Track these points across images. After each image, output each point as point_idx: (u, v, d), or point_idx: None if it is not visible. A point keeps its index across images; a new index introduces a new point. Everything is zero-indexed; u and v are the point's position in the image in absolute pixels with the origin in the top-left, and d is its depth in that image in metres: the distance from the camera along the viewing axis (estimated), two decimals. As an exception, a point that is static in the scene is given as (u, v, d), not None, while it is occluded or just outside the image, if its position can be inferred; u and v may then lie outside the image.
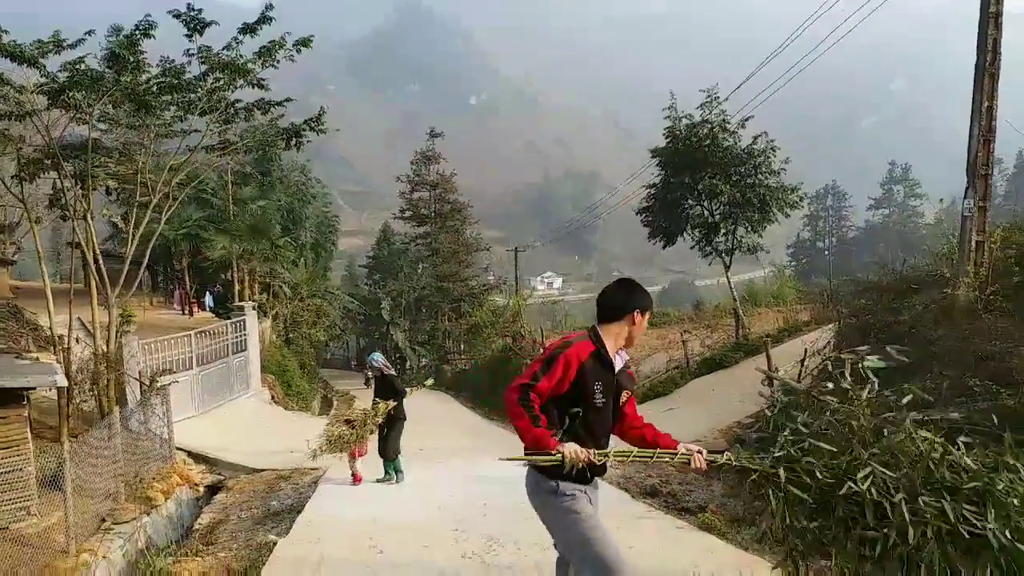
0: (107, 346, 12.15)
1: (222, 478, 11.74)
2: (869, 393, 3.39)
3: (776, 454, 3.30)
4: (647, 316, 3.51)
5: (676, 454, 3.37)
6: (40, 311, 14.78)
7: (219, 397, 16.82)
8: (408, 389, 10.14)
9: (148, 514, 9.16)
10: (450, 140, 46.42)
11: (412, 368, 42.43)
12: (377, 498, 8.79)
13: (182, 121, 13.06)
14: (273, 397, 20.98)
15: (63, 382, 9.26)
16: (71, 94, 10.94)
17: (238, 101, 12.83)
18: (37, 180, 13.89)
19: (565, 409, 3.32)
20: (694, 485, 8.55)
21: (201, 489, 11.26)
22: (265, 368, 21.52)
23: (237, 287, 29.01)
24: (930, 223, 67.13)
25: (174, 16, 11.45)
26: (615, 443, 3.52)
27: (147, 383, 12.37)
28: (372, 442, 9.55)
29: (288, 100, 13.23)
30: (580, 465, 3.16)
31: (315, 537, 6.70)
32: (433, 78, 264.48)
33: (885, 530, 2.98)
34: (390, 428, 9.46)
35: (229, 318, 19.84)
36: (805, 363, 12.63)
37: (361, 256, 73.29)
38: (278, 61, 12.27)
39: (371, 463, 9.74)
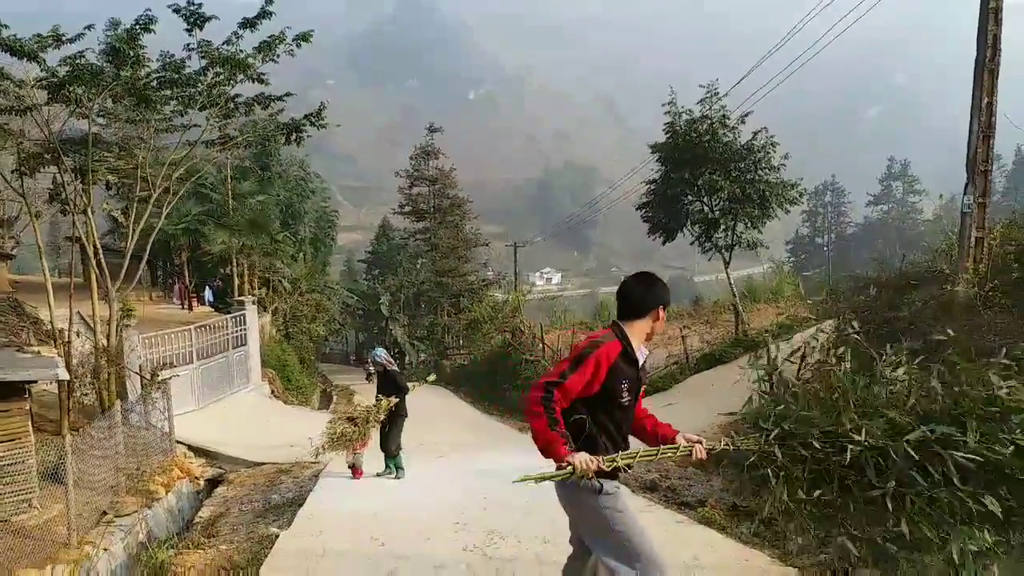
0: (108, 340, 12.16)
1: (223, 471, 11.78)
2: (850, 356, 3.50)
3: (767, 429, 3.35)
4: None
5: (677, 448, 3.39)
6: (40, 305, 14.81)
7: (219, 391, 16.87)
8: (411, 385, 10.13)
9: (149, 507, 9.20)
10: (449, 135, 46.34)
11: (411, 363, 42.48)
12: (378, 492, 8.82)
13: (182, 116, 13.07)
14: (273, 391, 21.02)
15: (65, 376, 9.28)
16: (71, 88, 10.94)
17: (238, 96, 12.81)
18: (37, 174, 13.88)
19: (594, 411, 3.28)
20: (694, 480, 8.59)
21: (202, 482, 11.30)
22: (265, 363, 21.56)
23: (236, 282, 29.01)
24: (929, 219, 67.21)
25: (174, 11, 11.43)
26: None
27: (148, 377, 12.41)
28: (374, 435, 9.57)
29: (288, 95, 13.24)
30: (590, 475, 3.10)
31: (317, 530, 6.73)
32: (432, 73, 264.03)
33: (890, 484, 3.07)
34: (392, 424, 9.46)
35: (229, 313, 19.88)
36: (806, 359, 12.65)
37: (360, 251, 73.37)
38: (278, 56, 12.27)
39: (372, 457, 9.76)
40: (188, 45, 11.64)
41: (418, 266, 47.01)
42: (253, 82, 12.48)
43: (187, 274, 32.07)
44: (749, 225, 19.67)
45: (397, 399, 9.37)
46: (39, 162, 12.83)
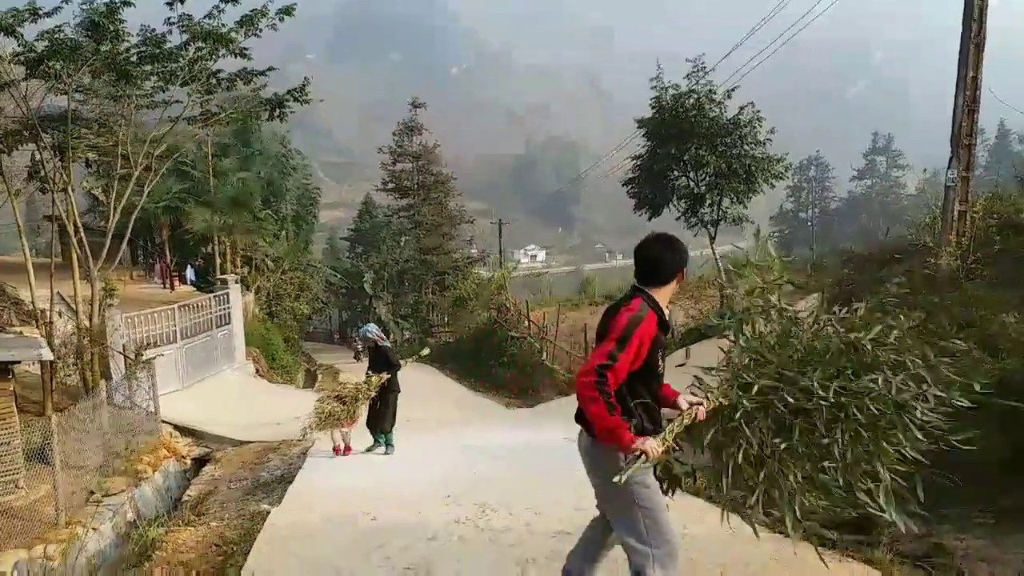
0: (90, 320, 12.03)
1: (209, 450, 11.75)
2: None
3: (738, 380, 3.41)
4: None
5: (688, 413, 3.32)
6: (19, 286, 14.60)
7: (204, 371, 16.77)
8: (403, 361, 10.10)
9: (137, 486, 9.18)
10: (431, 111, 45.79)
11: (396, 341, 42.40)
12: (367, 468, 8.84)
13: (163, 92, 12.84)
14: (258, 370, 20.95)
15: (49, 356, 9.21)
16: (50, 64, 10.71)
17: (220, 71, 12.61)
18: (14, 152, 13.62)
19: (633, 384, 3.20)
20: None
21: (188, 462, 11.28)
22: (249, 342, 21.44)
23: (218, 260, 28.75)
24: (912, 194, 67.67)
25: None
26: None
27: (131, 357, 12.31)
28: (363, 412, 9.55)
29: (271, 69, 13.06)
30: (661, 459, 3.09)
31: (307, 506, 6.74)
32: (414, 48, 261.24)
33: (840, 429, 3.20)
34: (383, 400, 9.43)
35: (211, 292, 19.71)
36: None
37: (343, 229, 72.75)
38: (260, 30, 12.07)
39: (359, 434, 9.76)
40: (169, 19, 11.42)
41: (402, 243, 46.72)
42: (235, 57, 12.29)
43: (168, 253, 31.72)
44: (735, 200, 19.75)
45: (389, 375, 9.35)
46: (17, 139, 12.58)
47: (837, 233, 61.67)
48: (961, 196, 10.68)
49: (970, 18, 10.34)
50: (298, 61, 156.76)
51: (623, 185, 21.74)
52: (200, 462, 11.20)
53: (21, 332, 10.23)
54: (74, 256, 12.61)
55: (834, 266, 15.17)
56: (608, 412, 2.98)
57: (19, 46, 10.71)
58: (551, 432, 10.04)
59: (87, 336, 11.83)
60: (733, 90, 19.26)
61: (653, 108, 20.04)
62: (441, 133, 47.67)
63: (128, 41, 11.30)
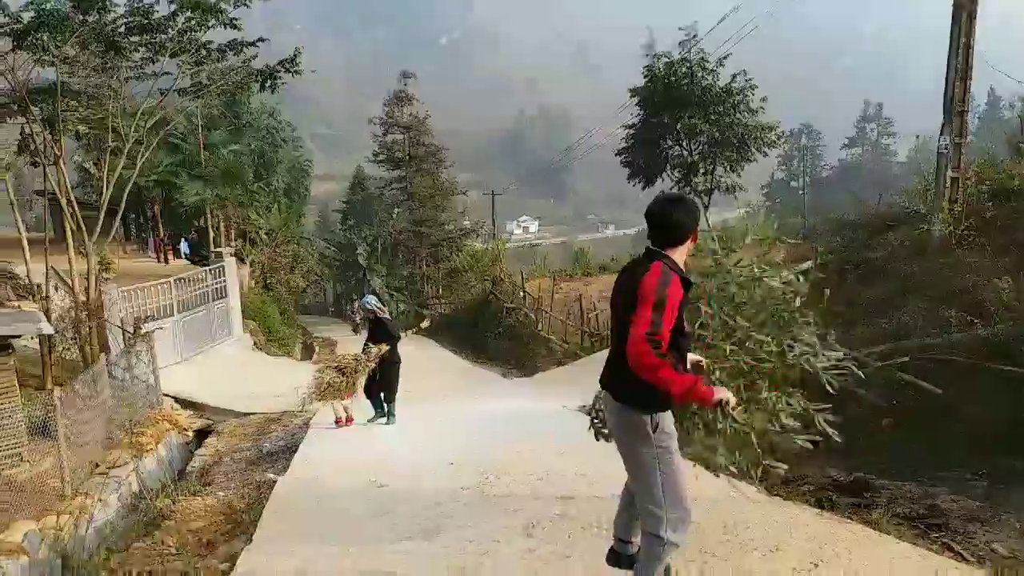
0: (87, 294, 12.02)
1: (211, 422, 11.82)
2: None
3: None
4: None
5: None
6: (13, 261, 14.53)
7: (202, 343, 16.83)
8: (404, 333, 10.14)
9: (140, 459, 9.25)
10: (420, 81, 45.28)
11: (391, 313, 42.35)
12: (370, 438, 8.94)
13: (152, 63, 12.70)
14: (256, 343, 21.00)
15: (48, 329, 9.24)
16: (38, 35, 10.56)
17: (210, 42, 12.48)
18: (2, 125, 13.48)
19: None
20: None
21: (191, 434, 11.33)
22: (245, 314, 21.46)
23: (212, 234, 28.63)
24: (903, 161, 67.71)
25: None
26: None
27: (130, 330, 12.32)
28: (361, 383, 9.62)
29: (261, 40, 12.93)
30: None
31: (313, 475, 6.83)
32: (403, 16, 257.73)
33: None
34: (385, 372, 9.47)
35: (206, 265, 19.68)
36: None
37: (335, 201, 72.30)
38: (249, 0, 11.93)
39: (361, 404, 9.84)
40: (156, -11, 11.29)
41: (395, 216, 46.44)
42: (225, 27, 12.14)
43: (160, 227, 31.56)
44: (728, 168, 19.78)
45: (389, 346, 9.40)
46: (5, 112, 12.45)
47: (828, 201, 61.67)
48: (954, 163, 10.76)
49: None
50: (285, 32, 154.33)
51: (616, 155, 21.71)
52: (202, 434, 11.27)
53: (19, 307, 10.20)
54: (68, 230, 12.55)
55: (826, 234, 15.25)
56: (678, 373, 3.00)
57: (4, 17, 10.55)
58: (550, 401, 10.17)
59: (84, 310, 11.82)
60: (726, 57, 19.17)
61: (646, 77, 19.95)
62: (429, 103, 47.08)
63: (115, 11, 11.15)
